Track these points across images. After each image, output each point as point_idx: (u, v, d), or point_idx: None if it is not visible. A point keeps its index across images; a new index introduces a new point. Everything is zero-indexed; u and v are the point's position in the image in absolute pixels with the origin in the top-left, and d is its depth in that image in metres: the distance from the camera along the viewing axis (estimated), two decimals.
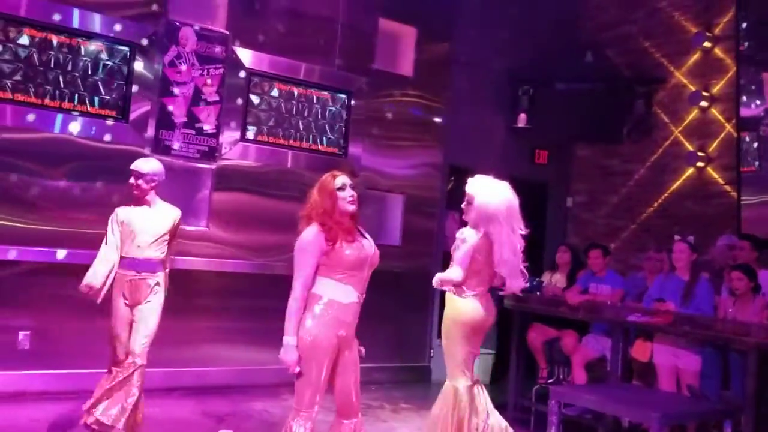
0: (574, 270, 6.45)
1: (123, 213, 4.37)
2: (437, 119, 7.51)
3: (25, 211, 5.38)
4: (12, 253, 5.27)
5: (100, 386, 4.24)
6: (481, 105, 8.09)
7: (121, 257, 4.31)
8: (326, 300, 3.28)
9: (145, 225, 4.33)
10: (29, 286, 5.34)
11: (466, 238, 3.85)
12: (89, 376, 5.29)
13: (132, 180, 4.35)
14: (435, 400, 3.80)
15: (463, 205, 3.92)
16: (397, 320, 7.08)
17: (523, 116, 8.21)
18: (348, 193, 3.40)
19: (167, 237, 4.42)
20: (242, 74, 6.38)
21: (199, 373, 5.84)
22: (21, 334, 5.33)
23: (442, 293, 4.01)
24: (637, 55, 8.13)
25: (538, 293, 6.08)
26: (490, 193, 3.86)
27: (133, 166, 4.37)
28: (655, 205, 7.84)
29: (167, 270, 4.48)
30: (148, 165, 4.39)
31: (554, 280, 6.45)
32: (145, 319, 4.26)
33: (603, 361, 5.83)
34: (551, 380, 6.05)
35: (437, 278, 3.98)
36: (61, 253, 5.40)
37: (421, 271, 7.31)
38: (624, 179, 8.19)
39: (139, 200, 4.38)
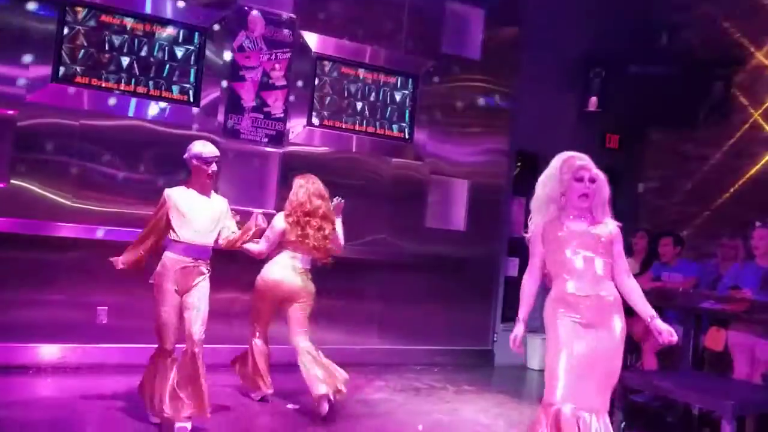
0: (650, 256, 6.28)
1: (177, 195, 4.20)
2: (504, 104, 7.41)
3: (100, 193, 5.60)
4: (90, 233, 5.50)
5: (159, 381, 4.16)
6: (550, 89, 7.93)
7: (175, 241, 4.17)
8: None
9: (204, 209, 4.22)
10: (106, 264, 5.55)
11: None
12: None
13: (215, 167, 4.21)
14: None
15: (587, 186, 3.34)
16: (460, 304, 7.06)
17: (593, 100, 8.05)
18: None
19: (220, 224, 4.30)
20: (309, 58, 6.46)
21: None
22: (99, 310, 5.56)
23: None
24: (716, 36, 7.81)
25: None
26: None
27: (212, 154, 4.19)
28: (731, 191, 7.54)
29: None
30: (215, 148, 4.28)
31: None
32: (198, 305, 4.17)
33: (674, 349, 5.66)
34: None
35: None
36: (133, 234, 5.57)
37: (485, 257, 7.27)
38: (699, 164, 7.91)
39: (208, 187, 4.26)
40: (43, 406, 4.67)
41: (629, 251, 6.51)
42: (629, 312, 5.86)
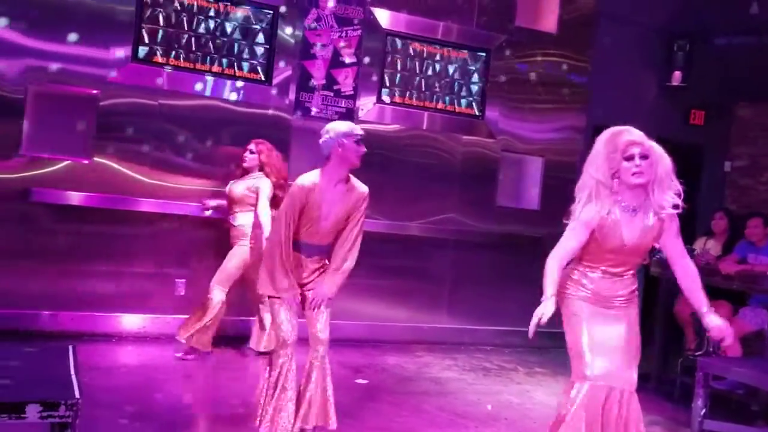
0: (732, 238, 6.01)
1: (314, 188, 3.55)
2: (581, 79, 7.17)
3: (177, 170, 5.74)
4: (169, 208, 5.66)
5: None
6: (630, 63, 7.66)
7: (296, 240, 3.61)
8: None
9: (340, 203, 3.61)
10: (184, 238, 5.73)
11: None
12: (237, 322, 5.68)
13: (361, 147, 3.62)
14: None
15: (638, 164, 2.96)
16: (534, 285, 6.88)
17: (677, 74, 7.75)
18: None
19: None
20: (379, 35, 6.42)
21: (335, 325, 6.00)
22: (177, 282, 5.74)
23: None
24: None
25: None
26: None
27: (359, 130, 3.64)
28: None
29: None
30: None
31: (708, 246, 6.04)
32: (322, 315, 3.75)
33: (761, 336, 5.40)
34: (699, 352, 5.70)
35: None
36: (209, 211, 5.71)
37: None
38: None
39: (348, 174, 3.65)
40: (125, 372, 4.89)
41: (710, 233, 6.25)
42: (711, 297, 5.66)
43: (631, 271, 3.14)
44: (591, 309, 3.07)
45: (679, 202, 3.00)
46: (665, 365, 5.78)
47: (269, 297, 3.68)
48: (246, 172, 5.36)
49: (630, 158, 2.96)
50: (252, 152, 5.33)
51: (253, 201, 5.17)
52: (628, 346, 3.08)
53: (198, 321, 5.11)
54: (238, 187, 5.28)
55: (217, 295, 5.14)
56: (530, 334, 2.97)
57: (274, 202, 5.16)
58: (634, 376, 3.08)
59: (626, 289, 3.12)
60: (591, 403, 2.98)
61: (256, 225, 5.11)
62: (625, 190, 3.01)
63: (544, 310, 2.97)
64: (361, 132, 3.65)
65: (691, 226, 7.97)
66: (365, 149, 3.64)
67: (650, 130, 7.24)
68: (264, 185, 5.17)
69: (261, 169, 5.30)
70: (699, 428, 4.50)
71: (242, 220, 5.22)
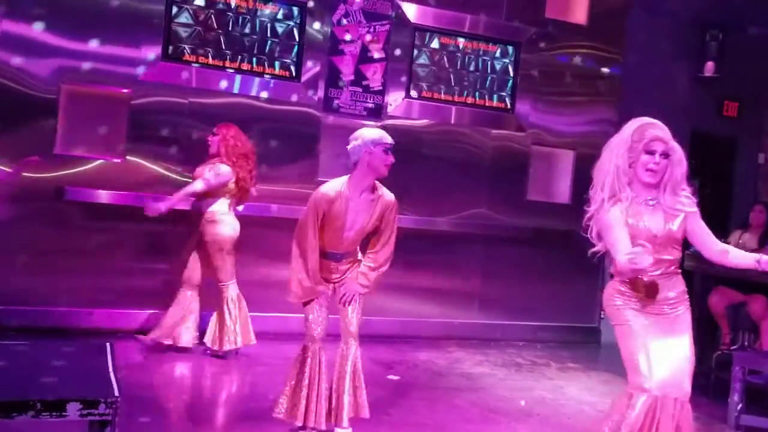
0: None
1: (337, 198, 3.49)
2: (613, 71, 7.08)
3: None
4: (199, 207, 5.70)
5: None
6: (662, 54, 7.55)
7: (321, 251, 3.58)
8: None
9: (364, 213, 3.54)
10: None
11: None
12: (270, 319, 5.70)
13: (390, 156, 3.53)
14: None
15: (657, 162, 2.96)
16: (565, 280, 6.87)
17: (710, 64, 7.62)
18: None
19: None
20: (407, 29, 6.39)
21: (366, 321, 6.01)
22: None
23: None
24: None
25: None
26: None
27: (389, 139, 3.54)
28: None
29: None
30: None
31: (743, 240, 5.93)
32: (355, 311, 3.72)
33: None
34: (734, 347, 5.61)
35: None
36: (240, 207, 5.73)
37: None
38: None
39: (375, 182, 3.57)
40: (160, 369, 4.93)
41: (745, 226, 6.15)
42: (747, 290, 5.56)
43: (674, 268, 3.07)
44: (643, 319, 3.02)
45: (693, 199, 3.02)
46: (700, 360, 5.65)
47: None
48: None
49: (651, 152, 2.96)
50: (215, 134, 5.20)
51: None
52: (684, 355, 3.02)
53: (221, 325, 5.07)
54: (200, 171, 5.15)
55: (231, 291, 5.12)
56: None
57: (239, 189, 5.13)
58: (690, 385, 3.03)
59: (675, 289, 3.06)
60: (647, 415, 2.94)
61: (209, 220, 5.09)
62: (637, 184, 3.01)
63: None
64: (391, 141, 3.54)
65: (725, 219, 7.85)
66: (393, 159, 3.54)
67: (683, 122, 7.15)
68: (215, 169, 5.05)
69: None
70: (735, 423, 4.44)
71: (207, 204, 5.14)
